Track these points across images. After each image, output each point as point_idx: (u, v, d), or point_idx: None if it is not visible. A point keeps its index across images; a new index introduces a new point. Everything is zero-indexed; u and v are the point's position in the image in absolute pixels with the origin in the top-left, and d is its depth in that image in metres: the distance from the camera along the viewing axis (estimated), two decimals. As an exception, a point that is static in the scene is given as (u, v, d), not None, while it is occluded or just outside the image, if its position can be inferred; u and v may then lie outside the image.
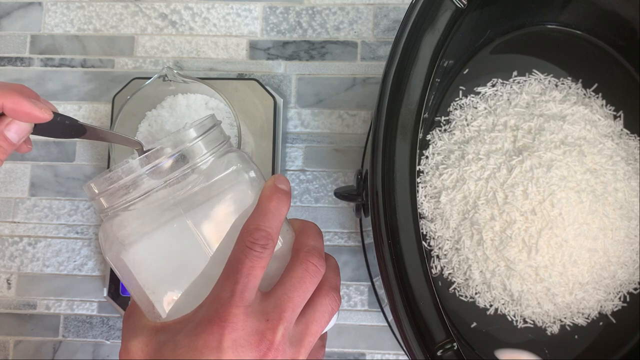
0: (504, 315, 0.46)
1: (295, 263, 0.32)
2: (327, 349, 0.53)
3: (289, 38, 0.58)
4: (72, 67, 0.58)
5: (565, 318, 0.46)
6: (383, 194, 0.35)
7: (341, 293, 0.53)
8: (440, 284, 0.47)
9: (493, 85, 0.49)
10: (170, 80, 0.48)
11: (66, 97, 0.58)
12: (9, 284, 0.55)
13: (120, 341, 0.52)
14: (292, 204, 0.55)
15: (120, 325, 0.53)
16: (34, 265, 0.55)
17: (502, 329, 0.46)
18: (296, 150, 0.56)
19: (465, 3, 0.37)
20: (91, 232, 0.55)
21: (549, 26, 0.50)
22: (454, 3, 0.37)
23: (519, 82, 0.49)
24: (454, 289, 0.47)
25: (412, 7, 0.37)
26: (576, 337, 0.46)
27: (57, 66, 0.58)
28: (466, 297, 0.46)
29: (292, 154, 0.56)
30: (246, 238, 0.30)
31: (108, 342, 0.54)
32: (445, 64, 0.47)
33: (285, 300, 0.30)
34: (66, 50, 0.58)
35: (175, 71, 0.47)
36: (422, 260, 0.34)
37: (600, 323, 0.47)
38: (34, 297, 0.55)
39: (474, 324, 0.46)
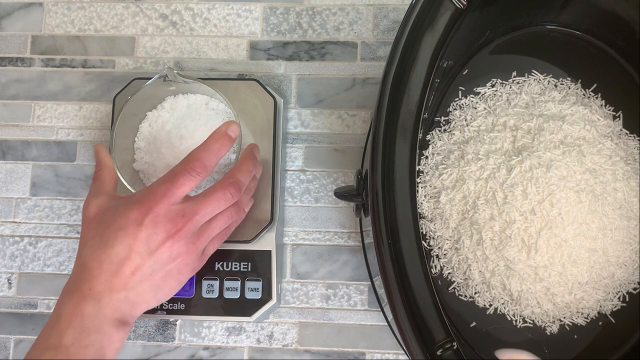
0: (503, 315, 0.46)
1: (220, 186, 0.43)
2: (326, 349, 0.53)
3: (289, 38, 0.58)
4: (73, 67, 0.58)
5: (564, 318, 0.46)
6: (383, 194, 0.35)
7: (341, 292, 0.54)
8: (439, 283, 0.47)
9: (492, 86, 0.49)
10: (171, 81, 0.48)
11: (67, 98, 0.58)
12: (10, 283, 0.55)
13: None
14: (292, 204, 0.55)
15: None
16: (34, 265, 0.55)
17: (501, 329, 0.46)
18: (296, 150, 0.56)
19: (465, 4, 0.37)
20: (92, 232, 0.55)
21: (549, 27, 0.50)
22: (454, 4, 0.37)
23: (518, 83, 0.49)
24: (454, 288, 0.47)
25: (411, 7, 0.37)
26: (575, 336, 0.46)
27: (58, 66, 0.58)
28: (466, 296, 0.47)
29: (292, 154, 0.56)
30: (189, 163, 0.41)
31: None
32: (444, 65, 0.47)
33: (200, 207, 0.41)
34: (67, 50, 0.58)
35: (175, 71, 0.48)
36: (422, 260, 0.34)
37: (600, 323, 0.47)
38: (34, 297, 0.55)
39: (474, 324, 0.46)
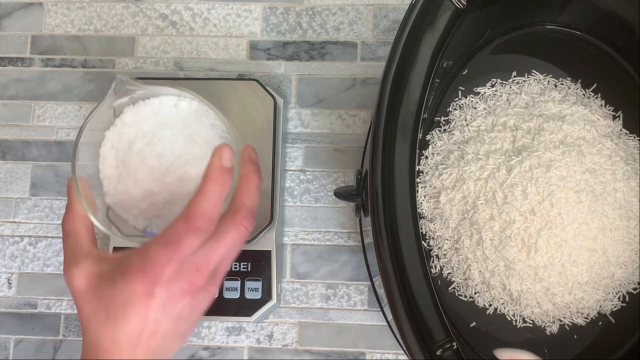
0: (503, 315, 0.46)
1: (232, 224, 0.37)
2: (326, 349, 0.53)
3: (289, 38, 0.58)
4: (73, 67, 0.58)
5: (564, 318, 0.46)
6: (383, 194, 0.35)
7: (341, 292, 0.54)
8: (439, 283, 0.47)
9: (492, 86, 0.49)
10: (127, 93, 0.40)
11: (67, 98, 0.58)
12: (10, 283, 0.55)
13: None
14: (292, 204, 0.55)
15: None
16: (34, 265, 0.55)
17: (501, 329, 0.46)
18: (296, 150, 0.56)
19: (465, 4, 0.37)
20: (92, 232, 0.55)
21: (549, 27, 0.50)
22: (454, 4, 0.37)
23: (518, 83, 0.49)
24: (453, 288, 0.47)
25: (411, 7, 0.37)
26: (575, 336, 0.46)
27: (58, 66, 0.58)
28: (465, 296, 0.47)
29: (292, 154, 0.56)
30: (192, 221, 0.35)
31: (108, 342, 0.54)
32: (444, 65, 0.47)
33: (214, 255, 0.36)
34: (67, 50, 0.58)
35: (125, 79, 0.40)
36: (421, 260, 0.34)
37: (600, 323, 0.47)
38: (34, 297, 0.55)
39: (474, 324, 0.46)
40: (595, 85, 0.49)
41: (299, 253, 0.54)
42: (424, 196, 0.47)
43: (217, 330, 0.53)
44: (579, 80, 0.50)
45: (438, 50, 0.37)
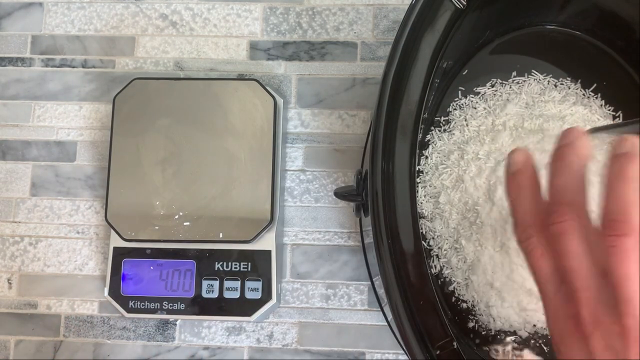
0: (504, 315, 0.46)
1: None
2: (326, 348, 0.53)
3: (289, 39, 0.58)
4: (73, 67, 0.58)
5: None
6: (383, 194, 0.35)
7: (341, 292, 0.54)
8: (439, 282, 0.47)
9: (492, 86, 0.49)
10: None
11: (67, 98, 0.58)
12: (10, 283, 0.55)
13: (120, 341, 0.52)
14: (292, 204, 0.55)
15: (121, 325, 0.54)
16: (35, 265, 0.55)
17: (502, 329, 0.46)
18: (296, 150, 0.56)
19: (465, 4, 0.37)
20: (92, 232, 0.55)
21: (548, 27, 0.50)
22: (454, 4, 0.37)
23: (518, 83, 0.49)
24: (454, 288, 0.47)
25: (411, 7, 0.37)
26: None
27: (58, 66, 0.58)
28: (465, 296, 0.47)
29: (292, 154, 0.56)
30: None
31: (109, 342, 0.54)
32: (444, 65, 0.47)
33: None
34: (67, 50, 0.58)
35: None
36: (421, 260, 0.34)
37: None
38: (35, 297, 0.55)
39: (473, 324, 0.46)
40: (595, 85, 0.49)
41: (299, 253, 0.54)
42: (424, 196, 0.47)
43: (217, 330, 0.53)
44: (579, 81, 0.50)
45: (438, 51, 0.37)
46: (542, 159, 0.43)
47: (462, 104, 0.49)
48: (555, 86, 0.49)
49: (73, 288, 0.55)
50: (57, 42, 0.59)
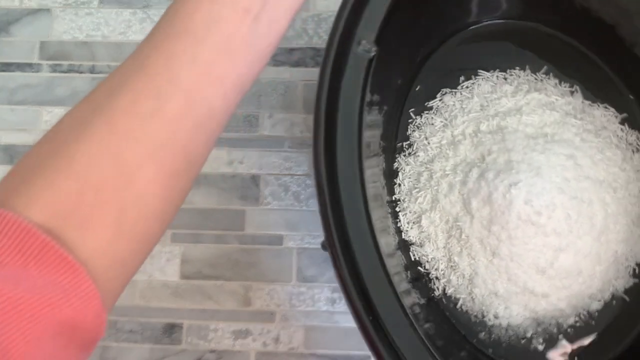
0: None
1: None
2: (332, 352, 0.53)
3: (294, 45, 0.58)
4: (81, 73, 0.59)
5: (578, 306, 0.46)
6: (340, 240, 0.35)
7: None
8: (444, 302, 0.46)
9: (443, 96, 0.48)
10: None
11: (75, 103, 0.58)
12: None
13: (127, 344, 0.52)
14: (298, 208, 0.56)
15: (128, 328, 0.54)
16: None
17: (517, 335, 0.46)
18: (302, 155, 0.57)
19: (375, 49, 0.36)
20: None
21: (481, 24, 0.49)
22: (363, 53, 0.36)
23: (467, 87, 0.48)
24: (461, 305, 0.46)
25: (323, 66, 0.36)
26: (593, 322, 0.46)
27: (66, 72, 0.59)
28: (474, 310, 0.46)
29: (298, 159, 0.57)
30: None
31: (115, 345, 0.54)
32: (379, 99, 0.46)
33: None
34: (75, 56, 0.59)
35: None
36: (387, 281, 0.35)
37: (614, 302, 0.46)
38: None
39: (482, 334, 0.46)
40: (544, 67, 0.48)
41: (305, 257, 0.55)
42: (408, 223, 0.47)
43: (224, 334, 0.54)
44: (527, 67, 0.48)
45: (363, 99, 0.36)
46: (506, 165, 0.43)
47: (420, 124, 0.48)
48: (505, 79, 0.48)
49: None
50: (65, 48, 0.59)
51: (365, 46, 0.36)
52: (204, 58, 0.29)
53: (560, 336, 0.45)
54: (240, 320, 0.54)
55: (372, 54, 0.36)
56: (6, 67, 0.60)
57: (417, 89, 0.49)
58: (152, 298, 0.54)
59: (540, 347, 0.45)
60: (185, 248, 0.55)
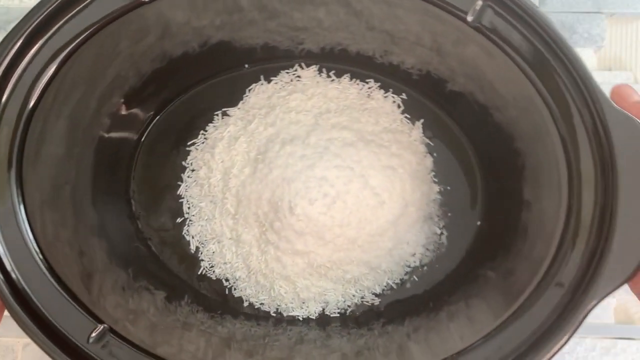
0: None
1: None
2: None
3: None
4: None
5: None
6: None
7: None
8: (225, 285, 0.47)
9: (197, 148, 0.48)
10: None
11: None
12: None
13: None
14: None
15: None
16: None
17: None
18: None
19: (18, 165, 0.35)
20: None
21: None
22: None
23: (216, 127, 0.48)
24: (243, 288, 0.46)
25: None
26: (437, 266, 0.46)
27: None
28: (247, 290, 0.46)
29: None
30: None
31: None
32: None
33: None
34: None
35: None
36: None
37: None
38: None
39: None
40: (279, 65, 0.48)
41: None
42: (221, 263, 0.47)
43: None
44: (262, 76, 0.48)
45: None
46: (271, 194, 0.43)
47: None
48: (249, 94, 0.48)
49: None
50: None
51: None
52: None
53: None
54: None
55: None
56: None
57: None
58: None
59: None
60: None
